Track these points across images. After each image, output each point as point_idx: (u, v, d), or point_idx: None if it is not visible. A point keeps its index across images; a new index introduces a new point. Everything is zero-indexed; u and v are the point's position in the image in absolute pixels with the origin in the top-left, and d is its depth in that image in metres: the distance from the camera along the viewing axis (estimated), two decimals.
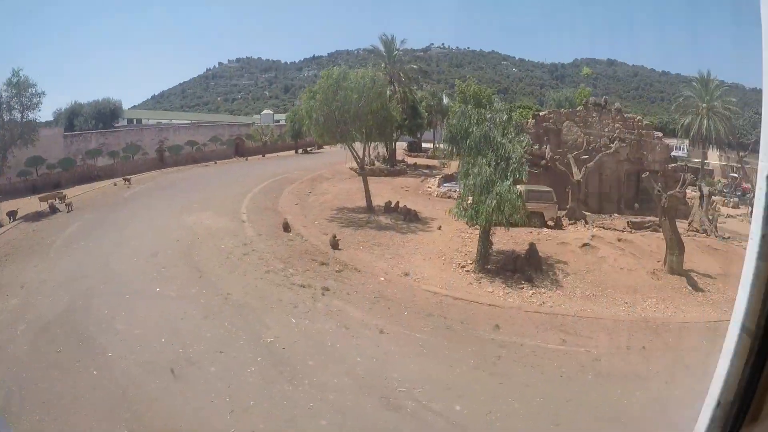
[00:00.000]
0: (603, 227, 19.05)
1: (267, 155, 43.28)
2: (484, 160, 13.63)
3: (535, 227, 17.96)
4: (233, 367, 8.23)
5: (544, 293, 12.30)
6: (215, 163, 36.99)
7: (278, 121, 57.72)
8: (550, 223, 18.72)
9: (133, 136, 33.02)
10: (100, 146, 29.77)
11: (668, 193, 14.37)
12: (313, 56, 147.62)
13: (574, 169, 21.66)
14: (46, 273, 13.00)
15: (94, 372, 8.14)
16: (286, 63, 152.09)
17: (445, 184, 26.54)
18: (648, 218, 19.85)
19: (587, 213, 21.41)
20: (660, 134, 25.25)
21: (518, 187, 19.32)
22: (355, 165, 32.16)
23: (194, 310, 10.53)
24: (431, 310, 10.92)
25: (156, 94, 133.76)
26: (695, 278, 13.30)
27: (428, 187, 27.45)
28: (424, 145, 46.08)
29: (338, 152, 27.67)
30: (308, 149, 47.61)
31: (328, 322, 9.97)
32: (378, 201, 21.09)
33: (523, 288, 12.56)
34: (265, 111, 66.71)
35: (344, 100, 18.49)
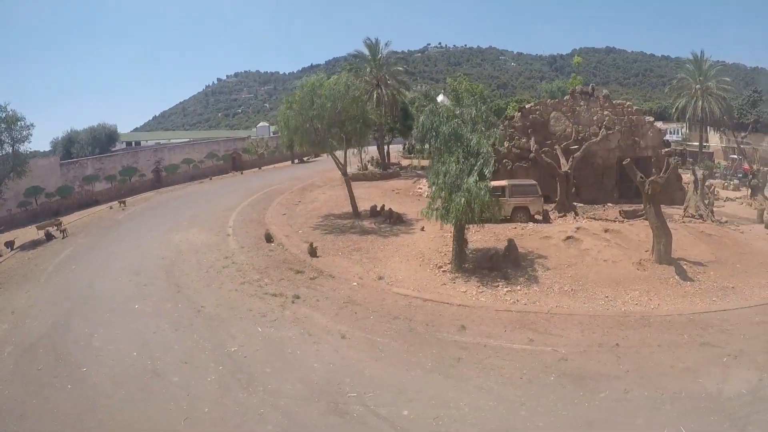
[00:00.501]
0: (594, 218, 18.74)
1: (263, 167, 43.91)
2: (452, 158, 13.60)
3: (521, 222, 17.85)
4: (194, 377, 8.51)
5: (519, 290, 12.03)
6: (210, 179, 37.64)
7: (276, 132, 58.44)
8: (537, 217, 18.53)
9: (129, 159, 33.86)
10: (97, 171, 30.61)
11: (650, 179, 13.88)
12: (311, 65, 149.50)
13: (562, 161, 21.46)
14: (35, 298, 13.52)
15: (68, 386, 8.62)
16: (284, 74, 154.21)
17: None
18: (642, 206, 19.50)
19: (580, 204, 21.16)
20: (651, 119, 24.76)
21: (503, 182, 19.42)
22: (348, 171, 32.60)
23: (166, 324, 10.87)
24: (398, 313, 10.92)
25: (157, 114, 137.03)
26: (685, 267, 12.85)
27: (419, 189, 27.54)
28: (419, 146, 46.20)
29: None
30: (304, 159, 48.14)
31: (292, 330, 10.15)
32: (366, 205, 21.31)
33: (497, 286, 12.31)
34: (261, 123, 67.59)
35: (320, 108, 18.76)
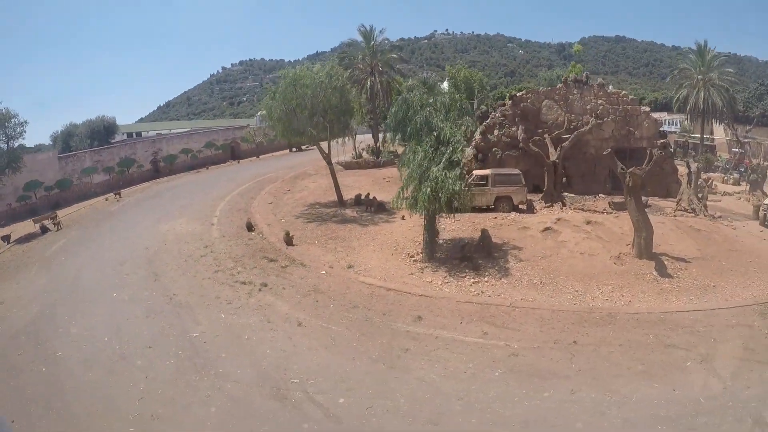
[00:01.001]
0: (582, 209, 18.37)
1: (261, 156, 44.30)
2: (420, 147, 13.66)
3: (503, 212, 17.80)
4: (156, 361, 9.07)
5: (487, 282, 11.88)
6: (207, 168, 38.19)
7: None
8: (521, 207, 18.37)
9: (127, 151, 34.53)
10: (95, 163, 31.33)
11: (629, 170, 13.38)
12: (317, 52, 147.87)
13: (550, 150, 21.20)
14: (24, 289, 14.22)
15: (43, 369, 9.27)
16: (289, 61, 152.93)
17: None
18: None
19: (570, 195, 20.78)
20: (647, 109, 24.17)
21: (486, 171, 19.35)
22: (341, 159, 32.73)
23: (140, 311, 11.45)
24: (358, 302, 11.15)
25: (162, 104, 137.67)
26: (666, 263, 12.28)
27: None
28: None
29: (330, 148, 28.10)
30: (302, 147, 48.29)
31: (253, 317, 10.61)
32: (354, 194, 21.49)
33: (465, 277, 12.17)
34: (261, 112, 67.53)
35: (301, 97, 18.91)
